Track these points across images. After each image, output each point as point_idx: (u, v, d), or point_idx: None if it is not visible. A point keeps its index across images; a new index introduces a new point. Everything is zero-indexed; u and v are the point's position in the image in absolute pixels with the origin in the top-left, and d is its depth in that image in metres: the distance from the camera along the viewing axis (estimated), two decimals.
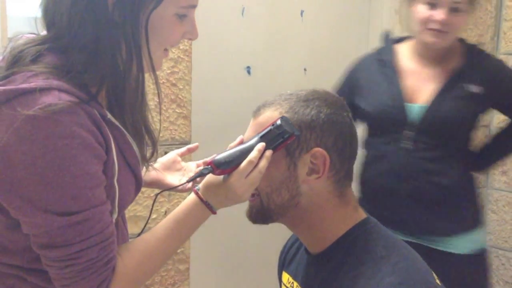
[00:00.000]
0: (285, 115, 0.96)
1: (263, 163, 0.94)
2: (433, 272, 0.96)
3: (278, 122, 0.95)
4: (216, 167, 0.95)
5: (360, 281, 0.91)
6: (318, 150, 0.95)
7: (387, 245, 0.97)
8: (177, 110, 1.75)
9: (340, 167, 0.98)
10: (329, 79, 2.22)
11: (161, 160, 1.21)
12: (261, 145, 0.95)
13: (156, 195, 1.09)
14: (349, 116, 1.01)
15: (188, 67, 1.77)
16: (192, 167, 1.20)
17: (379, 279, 0.90)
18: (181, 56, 1.75)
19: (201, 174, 0.98)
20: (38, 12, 0.93)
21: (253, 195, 1.00)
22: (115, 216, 0.92)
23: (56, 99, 0.81)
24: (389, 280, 0.89)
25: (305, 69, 2.20)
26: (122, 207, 0.95)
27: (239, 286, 2.16)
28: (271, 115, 0.98)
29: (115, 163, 0.89)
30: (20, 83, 0.83)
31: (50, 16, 0.90)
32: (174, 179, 1.18)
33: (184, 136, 1.79)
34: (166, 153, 1.60)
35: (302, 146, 0.95)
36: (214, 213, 0.98)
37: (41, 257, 0.86)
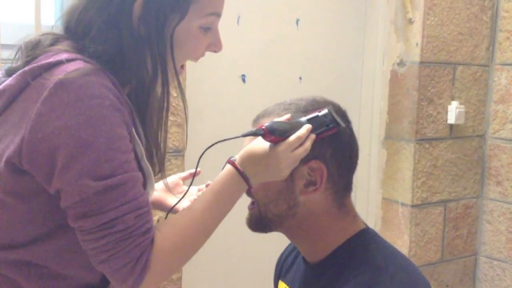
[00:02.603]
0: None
1: (309, 143, 0.92)
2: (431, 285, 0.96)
3: (326, 110, 0.95)
4: (269, 132, 0.91)
5: None
6: (316, 162, 0.95)
7: (385, 255, 0.97)
8: (171, 118, 1.74)
9: (338, 179, 0.98)
10: (324, 88, 2.22)
11: (163, 182, 1.21)
12: (309, 126, 0.93)
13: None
14: (350, 126, 1.00)
15: (182, 75, 1.75)
16: (193, 191, 1.19)
17: None
18: None
19: (254, 133, 0.94)
20: (56, 21, 0.95)
21: (252, 203, 1.00)
22: (150, 196, 0.91)
23: (83, 65, 0.83)
24: None
25: (300, 78, 2.19)
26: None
27: None
28: None
29: (137, 139, 0.88)
30: (45, 60, 0.84)
31: (72, 26, 0.91)
32: (175, 201, 1.16)
33: (177, 144, 1.77)
34: None
35: (333, 133, 0.96)
36: (250, 186, 0.94)
37: (78, 233, 0.84)
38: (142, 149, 0.91)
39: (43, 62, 0.84)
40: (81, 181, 0.80)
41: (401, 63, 2.26)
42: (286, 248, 1.19)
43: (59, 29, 0.94)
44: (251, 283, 2.13)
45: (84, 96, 0.80)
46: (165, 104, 0.93)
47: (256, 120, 1.01)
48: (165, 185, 1.09)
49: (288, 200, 0.97)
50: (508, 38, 2.36)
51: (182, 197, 1.08)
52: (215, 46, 0.97)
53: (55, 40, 0.89)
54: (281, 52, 2.14)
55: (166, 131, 0.97)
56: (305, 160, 0.94)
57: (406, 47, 2.25)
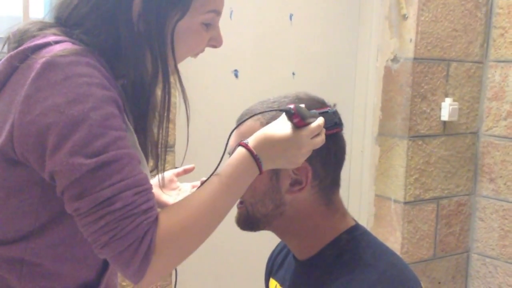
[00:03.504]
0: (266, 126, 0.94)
1: (323, 135, 0.92)
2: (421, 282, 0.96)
3: (335, 108, 0.96)
4: (298, 114, 0.89)
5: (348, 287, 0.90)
6: None
7: (375, 253, 0.96)
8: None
9: (325, 176, 0.97)
10: (317, 84, 2.21)
11: (157, 179, 1.20)
12: (322, 119, 0.92)
13: None
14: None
15: None
16: (187, 187, 1.18)
17: (367, 286, 0.89)
18: None
19: (284, 110, 0.90)
20: (46, 14, 0.94)
21: (241, 202, 0.99)
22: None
23: (71, 45, 0.82)
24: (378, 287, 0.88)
25: (293, 73, 2.18)
26: None
27: None
28: (252, 125, 0.96)
29: (129, 126, 0.87)
30: (32, 43, 0.83)
31: (63, 18, 0.89)
32: (169, 198, 1.16)
33: (168, 140, 1.75)
34: None
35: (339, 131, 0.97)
36: (261, 171, 0.89)
37: (77, 219, 0.80)
38: (135, 137, 0.89)
39: (29, 44, 0.83)
40: (73, 159, 0.77)
41: (394, 59, 2.25)
42: (277, 245, 1.19)
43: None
44: (242, 280, 2.13)
45: (72, 74, 0.79)
46: (166, 103, 0.91)
47: (240, 119, 1.00)
48: (160, 182, 1.06)
49: (275, 199, 0.96)
50: (502, 35, 2.35)
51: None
52: (216, 41, 0.96)
53: (44, 27, 0.88)
54: (274, 47, 2.13)
55: (167, 130, 0.94)
56: None
57: (400, 43, 2.24)
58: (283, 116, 0.91)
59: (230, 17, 2.01)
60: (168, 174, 1.20)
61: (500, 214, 2.40)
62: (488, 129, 2.42)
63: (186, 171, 1.22)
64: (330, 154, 0.97)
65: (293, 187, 0.95)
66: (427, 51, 2.22)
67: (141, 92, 0.89)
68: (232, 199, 0.90)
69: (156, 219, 0.82)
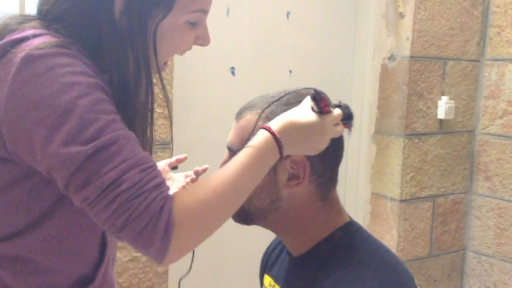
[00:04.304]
0: (265, 120, 0.93)
1: (342, 126, 0.93)
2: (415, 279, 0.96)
3: (346, 103, 0.96)
4: (322, 99, 0.88)
5: (341, 284, 0.90)
6: (298, 156, 0.93)
7: (369, 249, 0.96)
8: (157, 110, 1.72)
9: (322, 171, 0.97)
10: (314, 81, 2.20)
11: None
12: (340, 111, 0.93)
13: None
14: None
15: (169, 67, 1.74)
16: (181, 177, 1.17)
17: (360, 283, 0.89)
18: None
19: (313, 93, 0.89)
20: (32, 9, 0.92)
21: None
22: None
23: (50, 38, 0.80)
24: (370, 284, 0.88)
25: (290, 71, 2.18)
26: None
27: None
28: (251, 119, 0.95)
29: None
30: (10, 37, 0.81)
31: (44, 11, 0.87)
32: None
33: (164, 137, 1.76)
34: None
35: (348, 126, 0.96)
36: (282, 156, 0.88)
37: (88, 209, 0.78)
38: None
39: (8, 39, 0.81)
40: (69, 149, 0.76)
41: (391, 58, 2.26)
42: (272, 242, 1.19)
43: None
44: (237, 277, 2.13)
45: (54, 65, 0.77)
46: (149, 104, 0.88)
47: (239, 114, 0.99)
48: None
49: (271, 194, 0.95)
50: (499, 33, 2.36)
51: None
52: (203, 40, 0.94)
53: (23, 21, 0.86)
54: (271, 45, 2.13)
55: (151, 131, 0.91)
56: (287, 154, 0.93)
57: (396, 41, 2.24)
58: (307, 101, 0.91)
59: (227, 14, 2.01)
60: (161, 164, 1.18)
61: (495, 212, 2.41)
62: (484, 127, 2.42)
63: (178, 161, 1.21)
64: (329, 150, 0.96)
65: (290, 182, 0.94)
66: (424, 49, 2.23)
67: (125, 91, 0.86)
68: (252, 181, 0.87)
69: (170, 195, 0.80)
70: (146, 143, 0.91)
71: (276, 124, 0.88)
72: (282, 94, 0.97)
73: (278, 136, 0.86)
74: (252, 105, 0.98)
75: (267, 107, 0.95)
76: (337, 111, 0.91)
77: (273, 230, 1.03)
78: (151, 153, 0.93)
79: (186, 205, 0.80)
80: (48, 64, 0.77)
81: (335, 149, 0.98)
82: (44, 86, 0.76)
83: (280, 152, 0.87)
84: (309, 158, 0.93)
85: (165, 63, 0.94)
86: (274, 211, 0.97)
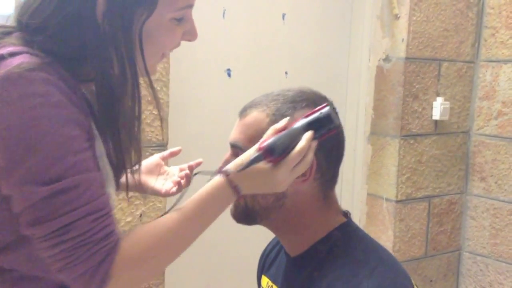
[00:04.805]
0: (272, 117, 0.94)
1: (310, 156, 0.89)
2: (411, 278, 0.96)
3: (327, 109, 0.90)
4: (269, 154, 0.86)
5: (338, 284, 0.91)
6: None
7: (366, 249, 0.97)
8: (153, 112, 1.73)
9: (326, 170, 0.97)
10: (310, 83, 2.19)
11: (144, 163, 1.17)
12: (310, 134, 0.89)
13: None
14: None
15: (165, 68, 1.74)
16: (175, 171, 1.16)
17: (357, 282, 0.89)
18: None
19: (252, 163, 0.87)
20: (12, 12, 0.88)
21: None
22: (112, 197, 0.84)
23: (28, 59, 0.77)
24: (367, 283, 0.89)
25: (286, 72, 2.18)
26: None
27: None
28: (258, 117, 0.96)
29: (97, 137, 0.83)
30: None
31: (25, 20, 0.83)
32: (157, 182, 1.14)
33: (160, 138, 1.76)
34: None
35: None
36: (240, 197, 0.89)
37: (33, 241, 0.78)
38: (102, 147, 0.85)
39: None
40: (26, 187, 0.74)
41: (386, 59, 2.26)
42: (269, 243, 1.19)
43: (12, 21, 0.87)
44: (235, 278, 2.13)
45: (27, 94, 0.74)
46: (136, 107, 0.86)
47: (243, 111, 0.99)
48: (137, 182, 1.01)
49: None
50: (493, 34, 2.37)
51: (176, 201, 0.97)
52: (190, 35, 0.92)
53: (2, 34, 0.83)
54: (267, 46, 2.13)
55: (138, 139, 0.90)
56: None
57: (392, 42, 2.25)
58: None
59: (223, 16, 2.01)
60: (155, 158, 1.18)
61: (491, 213, 2.42)
62: (479, 128, 2.43)
63: (172, 154, 1.20)
64: (333, 148, 0.98)
65: (296, 179, 0.94)
66: (419, 51, 2.23)
67: (110, 95, 0.84)
68: (202, 227, 0.89)
69: (116, 245, 0.79)
70: (133, 146, 0.90)
71: (233, 167, 0.87)
72: (286, 92, 0.98)
73: (235, 182, 0.87)
74: (257, 103, 0.98)
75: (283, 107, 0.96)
76: (296, 149, 0.87)
77: (273, 229, 1.04)
78: (140, 156, 0.93)
79: (128, 257, 0.80)
80: (21, 91, 0.74)
81: (339, 145, 1.00)
82: (13, 115, 0.74)
83: (238, 194, 0.88)
84: (315, 155, 0.94)
85: (163, 54, 0.90)
86: (278, 209, 0.97)
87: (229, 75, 2.05)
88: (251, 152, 0.88)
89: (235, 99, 2.04)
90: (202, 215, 0.88)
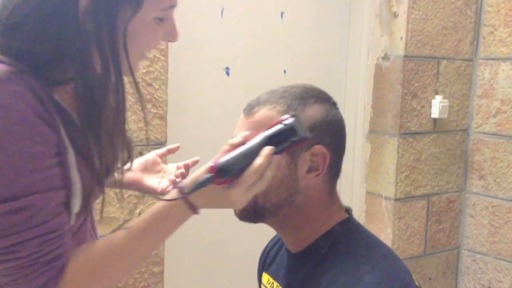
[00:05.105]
0: (283, 114, 0.92)
1: (270, 173, 0.85)
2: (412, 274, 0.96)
3: (290, 121, 0.85)
4: (218, 176, 0.82)
5: (340, 279, 0.91)
6: (319, 147, 0.94)
7: (367, 244, 0.97)
8: (152, 110, 1.73)
9: (334, 164, 0.98)
10: (308, 81, 2.19)
11: (140, 161, 1.16)
12: (269, 150, 0.84)
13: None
14: (339, 112, 1.00)
15: (164, 67, 1.74)
16: (172, 169, 1.15)
17: (358, 277, 0.89)
18: (157, 56, 1.72)
19: (200, 186, 0.82)
20: None
21: None
22: (74, 210, 0.82)
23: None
24: (369, 279, 0.89)
25: (284, 71, 2.18)
26: (87, 203, 0.86)
27: None
28: (268, 114, 0.94)
29: (68, 148, 0.80)
30: None
31: (4, 17, 0.81)
32: (153, 181, 1.12)
33: (159, 137, 1.76)
34: (141, 154, 1.57)
35: (303, 144, 0.93)
36: (197, 214, 0.86)
37: None
38: (73, 157, 0.81)
39: None
40: None
41: (385, 57, 2.26)
42: (270, 241, 1.19)
43: None
44: (234, 276, 2.13)
45: None
46: (121, 106, 0.84)
47: (250, 109, 0.97)
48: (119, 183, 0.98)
49: (290, 187, 0.95)
50: (492, 32, 2.37)
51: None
52: (171, 35, 0.89)
53: None
54: (265, 45, 2.13)
55: (125, 138, 0.87)
56: (308, 146, 0.93)
57: (390, 41, 2.25)
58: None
59: (221, 15, 2.01)
60: (151, 155, 1.16)
61: (490, 211, 2.42)
62: (478, 126, 2.44)
63: (170, 151, 1.18)
64: (341, 143, 0.99)
65: (309, 174, 0.95)
66: (417, 49, 2.23)
67: (91, 95, 0.81)
68: (154, 245, 0.87)
69: (61, 269, 0.78)
70: (118, 146, 0.88)
71: (189, 184, 0.84)
72: (292, 89, 0.98)
73: (191, 200, 0.84)
74: (265, 100, 0.97)
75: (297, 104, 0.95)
76: (248, 172, 0.83)
77: (277, 226, 1.02)
78: (130, 155, 0.91)
79: (72, 281, 0.79)
80: None
81: (343, 140, 1.00)
82: None
83: (194, 212, 0.85)
84: (328, 148, 0.94)
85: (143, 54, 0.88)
86: (288, 206, 0.96)
87: (227, 73, 2.05)
88: (203, 170, 0.84)
89: (233, 98, 2.04)
90: (153, 234, 0.85)
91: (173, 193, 0.85)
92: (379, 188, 2.33)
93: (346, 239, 0.97)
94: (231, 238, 2.06)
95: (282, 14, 2.15)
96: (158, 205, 0.85)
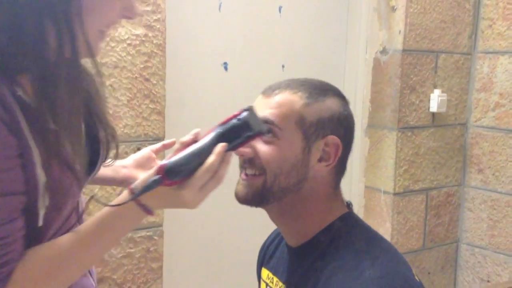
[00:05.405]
0: (306, 100, 0.94)
1: (223, 171, 0.82)
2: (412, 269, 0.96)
3: (244, 115, 0.82)
4: (167, 177, 0.79)
5: (340, 274, 0.91)
6: (333, 138, 0.95)
7: (368, 239, 0.97)
8: (150, 106, 1.72)
9: (343, 159, 0.99)
10: (307, 76, 2.19)
11: (135, 157, 1.14)
12: (222, 146, 0.82)
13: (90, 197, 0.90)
14: (349, 107, 1.03)
15: (162, 62, 1.73)
16: None
17: (359, 272, 0.89)
18: (155, 51, 1.71)
19: (148, 189, 0.79)
20: None
21: (259, 173, 0.95)
22: (42, 210, 0.79)
23: None
24: (369, 273, 0.89)
25: (283, 66, 2.17)
26: (59, 202, 0.82)
27: (214, 284, 2.13)
28: (290, 98, 0.95)
29: (32, 148, 0.76)
30: None
31: None
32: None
33: (157, 132, 1.75)
34: (139, 149, 1.57)
35: (319, 132, 0.94)
36: (151, 215, 0.83)
37: None
38: (38, 156, 0.76)
39: None
40: None
41: (383, 51, 2.26)
42: (269, 236, 1.19)
43: None
44: (234, 271, 2.13)
45: None
46: (77, 85, 0.79)
47: (270, 91, 0.97)
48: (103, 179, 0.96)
49: (300, 174, 0.95)
50: (490, 26, 2.36)
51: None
52: (130, 11, 0.83)
53: None
54: (263, 39, 2.12)
55: (79, 120, 0.81)
56: (322, 135, 0.95)
57: (388, 35, 2.24)
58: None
59: (219, 9, 2.00)
60: (146, 151, 1.14)
61: (488, 205, 2.42)
62: (476, 120, 2.43)
63: (165, 147, 1.16)
64: (352, 138, 1.01)
65: (319, 163, 0.95)
66: (416, 43, 2.23)
67: (49, 79, 0.76)
68: (105, 247, 0.84)
69: (8, 276, 0.76)
70: (78, 140, 0.83)
71: (140, 185, 0.81)
72: (310, 80, 1.00)
73: (142, 201, 0.81)
74: (286, 85, 0.98)
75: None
76: (199, 172, 0.80)
77: (278, 215, 1.01)
78: (114, 140, 0.88)
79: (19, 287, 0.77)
80: None
81: (353, 135, 1.02)
82: None
83: (148, 213, 0.82)
84: (341, 139, 0.96)
85: (103, 32, 0.82)
86: (295, 192, 0.96)
87: (225, 68, 2.05)
88: (153, 170, 0.81)
89: (232, 93, 2.04)
90: (103, 236, 0.81)
91: (124, 194, 0.82)
92: (378, 183, 2.33)
93: (346, 233, 0.97)
94: (230, 233, 2.05)
95: (280, 8, 2.14)
96: (109, 208, 0.82)
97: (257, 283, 1.17)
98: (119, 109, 1.66)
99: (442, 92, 2.31)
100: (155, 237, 1.77)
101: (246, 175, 0.96)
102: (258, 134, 0.83)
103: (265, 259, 1.14)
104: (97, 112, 0.89)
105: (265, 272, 1.11)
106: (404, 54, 2.20)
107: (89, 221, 0.82)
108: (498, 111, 2.36)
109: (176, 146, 0.83)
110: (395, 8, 2.21)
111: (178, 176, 0.79)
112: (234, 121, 0.83)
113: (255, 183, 0.95)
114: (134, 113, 1.69)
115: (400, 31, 2.20)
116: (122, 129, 1.66)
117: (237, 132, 0.82)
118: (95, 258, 0.84)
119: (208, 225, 2.00)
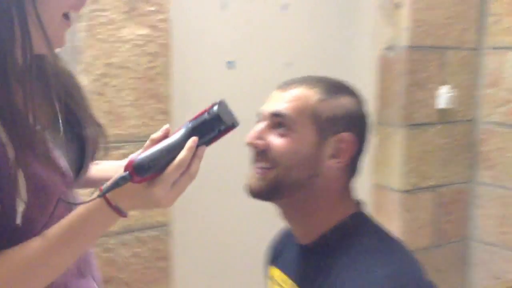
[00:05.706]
0: (321, 96, 0.95)
1: (196, 166, 0.79)
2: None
3: (215, 109, 0.80)
4: (135, 174, 0.75)
5: (351, 271, 0.90)
6: (347, 135, 0.95)
7: (379, 238, 0.97)
8: (156, 106, 1.72)
9: (356, 157, 0.98)
10: (313, 74, 2.19)
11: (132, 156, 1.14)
12: (193, 141, 0.79)
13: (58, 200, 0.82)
14: (366, 108, 1.02)
15: (167, 62, 1.74)
16: None
17: (370, 270, 0.89)
18: (160, 51, 1.72)
19: (116, 186, 0.76)
20: None
21: (267, 168, 0.95)
22: (20, 208, 0.75)
23: None
24: (381, 272, 0.88)
25: (289, 64, 2.17)
26: (42, 200, 0.79)
27: (222, 284, 2.13)
28: (305, 92, 0.96)
29: (6, 144, 0.72)
30: None
31: None
32: None
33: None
34: None
35: (332, 129, 0.94)
36: (125, 216, 0.79)
37: None
38: (12, 152, 0.73)
39: None
40: None
41: (390, 48, 2.25)
42: (276, 235, 1.19)
43: None
44: (241, 270, 2.12)
45: None
46: (27, 73, 0.74)
47: (286, 86, 0.98)
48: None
49: (312, 168, 0.95)
50: (497, 21, 2.35)
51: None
52: None
53: None
54: (269, 37, 2.12)
55: (35, 108, 0.76)
56: (335, 132, 0.95)
57: (394, 31, 2.23)
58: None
59: (224, 8, 2.00)
60: (147, 144, 1.12)
61: (498, 201, 2.40)
62: (485, 116, 2.42)
63: (166, 132, 1.14)
64: (367, 138, 1.00)
65: (331, 159, 0.95)
66: (422, 39, 2.22)
67: (10, 73, 0.72)
68: (76, 251, 0.80)
69: None
70: (32, 131, 0.77)
71: (110, 185, 0.78)
72: (324, 78, 1.01)
73: (113, 202, 0.77)
74: (301, 81, 0.99)
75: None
76: (170, 169, 0.77)
77: (290, 212, 1.01)
78: (101, 146, 0.87)
79: None
80: None
81: (368, 138, 1.01)
82: None
83: (121, 215, 0.79)
84: (357, 136, 0.96)
85: (67, 18, 0.77)
86: (307, 188, 0.96)
87: (232, 67, 2.04)
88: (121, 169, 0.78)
89: (238, 91, 2.03)
90: (72, 240, 0.78)
91: (95, 195, 0.79)
92: (386, 180, 2.32)
93: (357, 232, 0.97)
94: (237, 232, 2.05)
95: (286, 6, 2.14)
96: (78, 209, 0.79)
97: (264, 281, 1.17)
98: (125, 109, 1.66)
99: (450, 88, 2.30)
100: (163, 236, 1.77)
101: (259, 168, 0.96)
102: (231, 127, 0.81)
103: (273, 257, 1.14)
104: (78, 109, 0.86)
105: (275, 271, 1.11)
106: (411, 50, 2.19)
107: (57, 224, 0.78)
108: (507, 107, 2.34)
109: (147, 143, 0.80)
110: (399, 4, 2.20)
111: (148, 172, 0.76)
112: (205, 115, 0.81)
113: (268, 176, 0.95)
114: (140, 113, 1.69)
115: (406, 28, 2.19)
116: (127, 129, 1.66)
117: (209, 127, 0.80)
118: (67, 262, 0.79)
119: (215, 224, 1.99)
